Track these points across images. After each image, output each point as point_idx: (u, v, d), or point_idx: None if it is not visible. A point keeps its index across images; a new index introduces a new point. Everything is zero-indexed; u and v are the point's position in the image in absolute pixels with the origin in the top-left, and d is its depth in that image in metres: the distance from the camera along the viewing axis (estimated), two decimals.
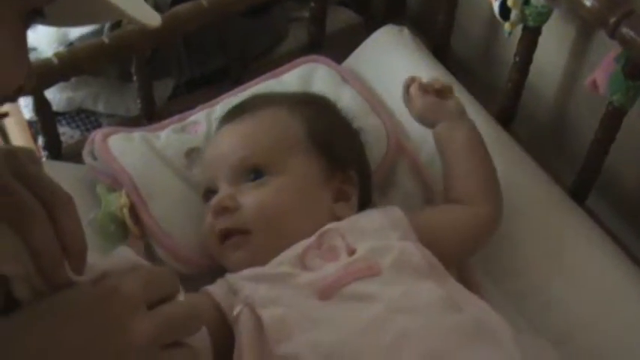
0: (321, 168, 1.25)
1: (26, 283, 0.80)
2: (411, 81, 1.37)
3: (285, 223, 1.20)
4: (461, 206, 1.28)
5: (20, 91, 0.82)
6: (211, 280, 1.22)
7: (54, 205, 0.81)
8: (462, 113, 1.33)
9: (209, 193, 1.25)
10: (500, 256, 1.35)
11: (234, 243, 1.20)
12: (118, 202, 1.30)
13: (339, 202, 1.25)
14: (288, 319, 1.06)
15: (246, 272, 1.15)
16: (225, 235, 1.21)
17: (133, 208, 1.30)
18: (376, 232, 1.18)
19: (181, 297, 0.87)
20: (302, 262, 1.14)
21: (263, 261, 1.16)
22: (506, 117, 1.51)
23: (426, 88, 1.34)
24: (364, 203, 1.30)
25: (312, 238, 1.16)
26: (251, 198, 1.20)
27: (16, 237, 0.79)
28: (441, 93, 1.34)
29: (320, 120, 1.30)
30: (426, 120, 1.35)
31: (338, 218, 1.22)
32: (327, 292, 1.09)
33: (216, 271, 1.23)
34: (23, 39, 0.74)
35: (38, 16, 0.75)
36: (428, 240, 1.19)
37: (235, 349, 1.07)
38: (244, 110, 1.32)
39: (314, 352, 1.03)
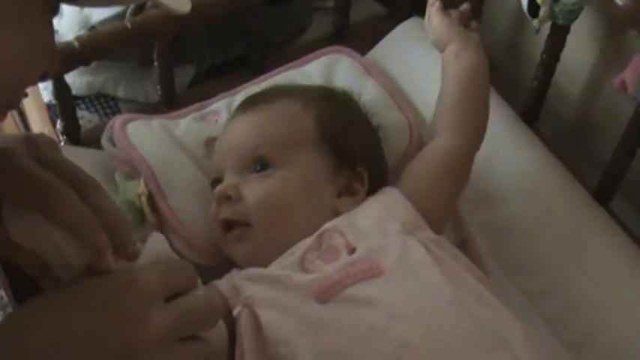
0: (329, 164, 1.23)
1: (67, 269, 0.81)
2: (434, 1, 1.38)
3: (286, 218, 1.19)
4: (431, 143, 1.28)
5: (44, 77, 0.82)
6: (227, 271, 1.21)
7: (82, 186, 0.82)
8: (477, 41, 1.33)
9: (216, 182, 1.24)
10: (520, 254, 1.34)
11: (236, 236, 1.19)
12: (136, 190, 1.29)
13: (342, 197, 1.22)
14: (284, 323, 1.06)
15: (249, 272, 1.14)
16: (228, 226, 1.20)
17: (150, 197, 1.29)
18: (376, 227, 1.16)
19: (200, 290, 0.86)
20: (302, 265, 1.12)
21: (266, 255, 1.15)
22: (530, 115, 1.48)
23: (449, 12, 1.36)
24: None
25: (311, 238, 1.15)
26: (254, 190, 1.19)
27: (51, 224, 0.79)
28: (464, 18, 1.35)
29: (333, 115, 1.28)
30: (441, 40, 1.34)
31: (340, 212, 1.20)
32: (325, 295, 1.07)
33: (232, 262, 1.22)
34: (50, 26, 0.74)
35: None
36: (419, 201, 1.20)
37: (237, 348, 1.07)
38: (258, 101, 1.31)
39: (312, 355, 1.02)
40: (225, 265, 1.23)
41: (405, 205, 1.20)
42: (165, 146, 1.35)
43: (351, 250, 1.12)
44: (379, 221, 1.17)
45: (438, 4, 1.36)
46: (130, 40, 1.39)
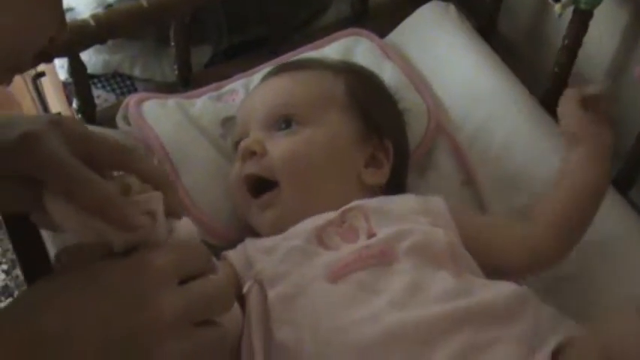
0: (356, 129, 1.22)
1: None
2: (573, 90, 1.24)
3: (313, 177, 1.17)
4: (521, 222, 1.20)
5: (53, 44, 0.81)
6: None
7: (121, 156, 0.83)
8: (608, 150, 1.20)
9: (239, 142, 1.23)
10: None
11: (264, 201, 1.17)
12: None
13: (369, 167, 1.22)
14: (293, 300, 1.04)
15: (263, 242, 1.13)
16: (256, 191, 1.18)
17: None
18: (403, 217, 1.14)
19: (218, 272, 0.86)
20: (319, 237, 1.11)
21: (292, 222, 1.13)
22: (550, 101, 1.45)
23: (589, 102, 1.21)
24: (398, 183, 1.27)
25: (335, 213, 1.13)
26: (280, 145, 1.18)
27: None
28: (599, 113, 1.21)
29: (363, 85, 1.29)
30: (570, 135, 1.22)
31: (365, 184, 1.20)
32: (335, 276, 1.06)
33: None
34: None
35: None
36: (467, 242, 1.14)
37: (245, 327, 1.04)
38: (287, 68, 1.32)
39: (313, 339, 1.00)
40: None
41: (448, 216, 1.16)
42: (181, 126, 1.34)
43: (371, 235, 1.11)
44: (409, 213, 1.15)
45: (577, 95, 1.22)
46: (147, 19, 1.37)
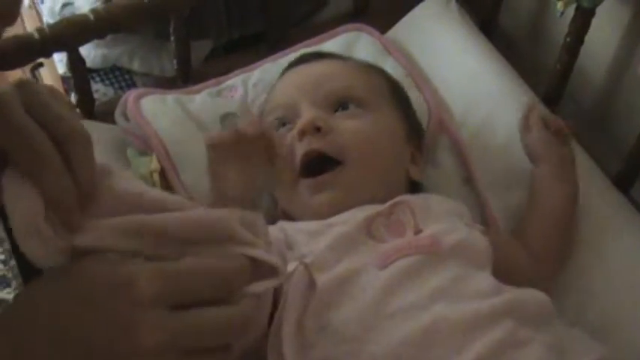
0: (404, 126, 1.24)
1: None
2: (533, 107, 1.30)
3: (378, 162, 1.17)
4: (526, 253, 1.22)
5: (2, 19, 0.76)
6: None
7: (69, 145, 0.77)
8: (573, 164, 1.27)
9: (281, 122, 1.20)
10: None
11: (323, 181, 1.14)
12: (148, 166, 1.27)
13: (412, 164, 1.23)
14: (343, 286, 1.03)
15: (306, 225, 1.10)
16: (315, 170, 1.14)
17: (163, 174, 1.27)
18: (445, 216, 1.14)
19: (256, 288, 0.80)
20: (368, 228, 1.09)
21: (344, 209, 1.11)
22: (552, 98, 1.45)
23: (547, 123, 1.27)
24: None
25: (384, 206, 1.12)
26: (346, 124, 1.16)
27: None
28: (560, 135, 1.26)
29: (400, 87, 1.32)
30: (533, 152, 1.27)
31: (410, 179, 1.22)
32: (385, 261, 1.05)
33: None
34: None
35: None
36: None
37: (280, 308, 1.00)
38: (330, 56, 1.32)
39: (359, 323, 1.00)
40: None
41: (469, 215, 1.20)
42: (180, 122, 1.33)
43: (418, 232, 1.11)
44: (449, 211, 1.16)
45: (537, 113, 1.28)
46: (146, 15, 1.36)
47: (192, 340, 0.75)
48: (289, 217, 1.18)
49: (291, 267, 1.00)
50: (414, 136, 1.25)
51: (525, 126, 1.28)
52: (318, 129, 1.15)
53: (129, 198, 0.80)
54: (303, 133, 1.15)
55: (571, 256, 1.28)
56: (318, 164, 1.15)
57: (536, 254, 1.22)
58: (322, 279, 1.01)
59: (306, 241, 1.08)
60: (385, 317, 1.00)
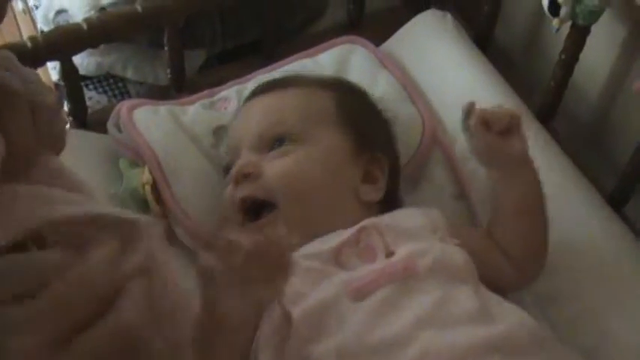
0: (349, 143, 1.21)
1: None
2: (471, 107, 1.19)
3: (310, 196, 1.16)
4: (501, 255, 1.20)
5: None
6: None
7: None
8: (524, 159, 1.19)
9: (230, 167, 1.21)
10: None
11: (262, 224, 1.15)
12: (140, 178, 1.26)
13: (365, 183, 1.20)
14: (318, 319, 1.02)
15: None
16: (254, 213, 1.16)
17: (155, 186, 1.26)
18: (417, 233, 1.13)
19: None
20: (336, 258, 1.09)
21: (296, 246, 1.10)
22: (546, 114, 1.45)
23: (489, 124, 1.17)
24: (393, 198, 1.25)
25: (349, 232, 1.11)
26: (275, 165, 1.16)
27: None
28: (506, 132, 1.18)
29: (351, 99, 1.28)
30: (479, 159, 1.23)
31: (361, 200, 1.18)
32: (359, 294, 1.04)
33: None
34: None
35: None
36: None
37: (255, 338, 1.03)
38: (272, 87, 1.29)
39: (340, 357, 0.99)
40: None
41: (445, 228, 1.16)
42: (172, 134, 1.33)
43: (389, 254, 1.09)
44: (422, 227, 1.14)
45: (480, 116, 1.17)
46: (141, 24, 1.36)
47: None
48: None
49: None
50: (365, 151, 1.21)
51: (469, 133, 1.21)
52: (247, 175, 1.16)
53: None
54: (236, 181, 1.17)
55: (562, 272, 1.27)
56: (259, 208, 1.17)
57: (513, 258, 1.20)
58: (296, 312, 1.01)
59: None
60: (369, 351, 0.99)
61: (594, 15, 1.29)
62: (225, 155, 1.30)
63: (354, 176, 1.19)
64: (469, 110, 1.19)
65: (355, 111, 1.24)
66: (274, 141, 1.19)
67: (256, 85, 1.39)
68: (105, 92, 1.56)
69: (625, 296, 1.25)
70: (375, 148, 1.22)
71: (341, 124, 1.22)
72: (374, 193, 1.20)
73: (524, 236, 1.20)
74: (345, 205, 1.17)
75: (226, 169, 1.23)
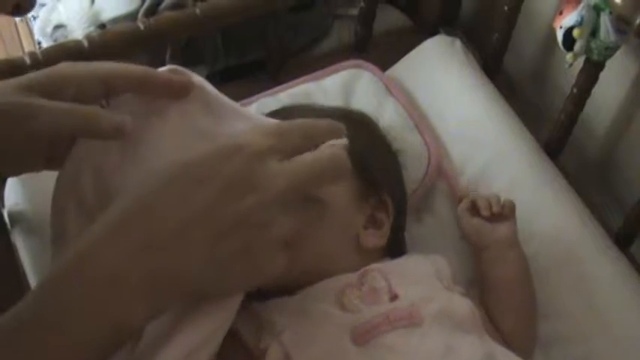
0: (355, 188, 1.14)
1: None
2: (465, 192, 1.29)
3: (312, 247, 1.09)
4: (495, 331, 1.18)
5: (18, 10, 0.84)
6: None
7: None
8: (511, 243, 1.23)
9: None
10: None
11: None
12: None
13: (368, 229, 1.15)
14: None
15: (277, 302, 1.06)
16: None
17: None
18: (422, 279, 1.11)
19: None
20: (340, 301, 1.05)
21: (294, 282, 1.05)
22: (554, 148, 1.42)
23: (478, 209, 1.24)
24: (398, 230, 1.22)
25: (353, 277, 1.07)
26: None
27: None
28: (494, 218, 1.23)
29: (358, 139, 1.19)
30: (470, 242, 1.27)
31: (362, 247, 1.12)
32: (362, 338, 1.01)
33: None
34: None
35: None
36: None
37: None
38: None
39: None
40: None
41: (450, 276, 1.15)
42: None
43: (394, 297, 1.06)
44: (426, 274, 1.12)
45: (468, 202, 1.26)
46: (142, 43, 1.32)
47: (308, 181, 0.81)
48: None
49: (263, 344, 1.02)
50: (371, 194, 1.15)
51: (458, 216, 1.28)
52: None
53: None
54: None
55: (568, 316, 1.25)
56: None
57: (504, 333, 1.18)
58: (299, 356, 0.99)
59: (279, 318, 1.03)
60: None
61: (609, 51, 1.25)
62: None
63: (355, 223, 1.13)
64: (462, 195, 1.28)
65: (363, 153, 1.16)
66: None
67: (261, 107, 1.36)
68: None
69: (631, 342, 1.22)
70: (381, 192, 1.16)
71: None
72: (377, 239, 1.14)
73: (514, 311, 1.20)
74: (343, 253, 1.11)
75: None
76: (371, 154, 1.20)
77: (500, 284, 1.21)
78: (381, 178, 1.18)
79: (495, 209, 1.23)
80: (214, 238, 0.76)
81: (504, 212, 1.23)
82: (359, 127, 1.24)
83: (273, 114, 1.26)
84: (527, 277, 1.23)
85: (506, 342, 1.16)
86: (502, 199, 1.25)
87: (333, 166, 0.82)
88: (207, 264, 0.77)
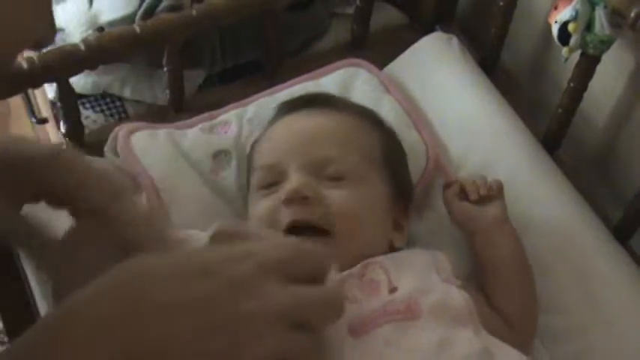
0: (389, 192, 1.19)
1: None
2: (451, 181, 1.28)
3: (361, 234, 1.12)
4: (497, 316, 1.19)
5: (39, 46, 0.82)
6: None
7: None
8: (501, 222, 1.22)
9: (271, 184, 1.14)
10: None
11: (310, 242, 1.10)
12: None
13: (394, 231, 1.18)
14: (319, 356, 0.99)
15: None
16: (295, 232, 1.09)
17: None
18: (421, 271, 1.11)
19: (333, 276, 0.82)
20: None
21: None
22: (552, 142, 1.42)
23: (466, 193, 1.24)
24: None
25: (355, 268, 1.09)
26: (337, 195, 1.11)
27: None
28: (483, 201, 1.23)
29: (392, 142, 1.25)
30: (460, 227, 1.26)
31: (392, 247, 1.17)
32: (360, 330, 1.02)
33: None
34: None
35: None
36: None
37: None
38: (320, 103, 1.25)
39: None
40: None
41: (450, 270, 1.15)
42: (171, 159, 1.30)
43: (392, 289, 1.07)
44: (426, 267, 1.12)
45: (452, 191, 1.26)
46: (139, 45, 1.33)
47: (304, 312, 0.77)
48: None
49: None
50: (400, 199, 1.20)
51: (445, 203, 1.27)
52: (305, 198, 1.10)
53: None
54: (290, 202, 1.10)
55: (567, 310, 1.25)
56: (303, 233, 1.10)
57: (507, 316, 1.18)
58: None
59: None
60: None
61: (605, 44, 1.26)
62: (222, 180, 1.28)
63: (389, 223, 1.18)
64: (449, 183, 1.27)
65: (396, 158, 1.23)
66: (326, 167, 1.13)
67: (258, 108, 1.37)
68: (102, 111, 1.53)
69: (630, 335, 1.22)
70: (410, 198, 1.22)
71: (385, 171, 1.19)
72: (401, 241, 1.19)
73: (513, 291, 1.20)
74: (380, 249, 1.14)
75: (262, 186, 1.16)
76: (401, 163, 1.25)
77: (497, 266, 1.21)
78: (407, 186, 1.24)
79: (482, 192, 1.22)
80: (204, 331, 0.74)
81: (492, 193, 1.23)
82: (391, 135, 1.27)
83: (324, 98, 1.29)
84: (521, 253, 1.23)
85: (508, 325, 1.17)
86: (489, 180, 1.24)
87: (335, 306, 0.80)
88: (189, 350, 0.75)
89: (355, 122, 1.22)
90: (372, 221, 1.14)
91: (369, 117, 1.26)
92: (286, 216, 1.10)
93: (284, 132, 1.21)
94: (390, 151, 1.22)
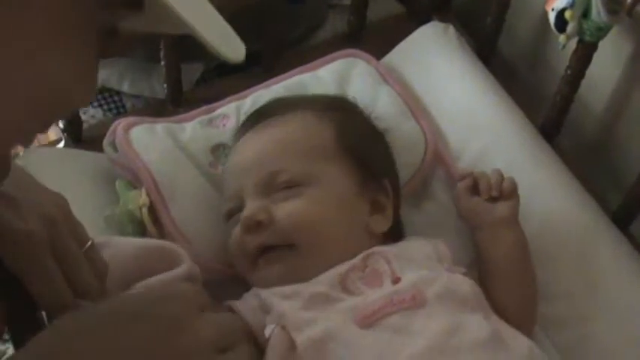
0: (354, 177, 1.17)
1: None
2: (467, 172, 1.27)
3: (326, 235, 1.13)
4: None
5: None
6: (231, 286, 1.17)
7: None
8: (507, 223, 1.22)
9: (234, 211, 1.17)
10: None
11: (276, 256, 1.12)
12: (137, 200, 1.23)
13: (374, 214, 1.17)
14: (324, 346, 1.01)
15: (281, 288, 1.08)
16: (263, 251, 1.12)
17: (152, 208, 1.24)
18: (423, 262, 1.12)
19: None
20: (343, 284, 1.07)
21: (300, 278, 1.09)
22: (551, 130, 1.42)
23: (479, 190, 1.24)
24: (397, 221, 1.23)
25: (356, 259, 1.09)
26: (285, 209, 1.12)
27: None
28: (494, 198, 1.23)
29: (349, 125, 1.23)
30: (468, 221, 1.26)
31: (373, 233, 1.16)
32: (367, 321, 1.03)
33: (236, 278, 1.18)
34: (95, 61, 0.70)
35: (112, 36, 0.74)
36: None
37: None
38: (269, 114, 1.25)
39: None
40: (228, 279, 1.20)
41: (451, 260, 1.16)
42: (170, 153, 1.29)
43: (396, 280, 1.08)
44: (428, 256, 1.14)
45: (464, 185, 1.26)
46: (136, 39, 1.32)
47: (226, 338, 0.83)
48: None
49: (268, 330, 1.03)
50: (373, 178, 1.19)
51: (455, 196, 1.27)
52: (259, 223, 1.12)
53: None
54: (247, 229, 1.12)
55: (568, 297, 1.25)
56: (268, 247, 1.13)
57: (507, 312, 1.17)
58: (301, 339, 1.00)
59: (281, 302, 1.05)
60: None
61: (602, 31, 1.26)
62: (220, 173, 1.28)
63: (362, 210, 1.16)
64: (463, 175, 1.27)
65: (356, 138, 1.21)
66: (275, 181, 1.14)
67: (256, 100, 1.36)
68: (100, 106, 1.53)
69: (631, 322, 1.23)
70: (379, 175, 1.19)
71: (343, 157, 1.18)
72: (384, 222, 1.17)
73: (511, 292, 1.19)
74: (357, 238, 1.14)
75: (228, 215, 1.19)
76: (365, 138, 1.23)
77: (496, 265, 1.21)
78: (378, 162, 1.21)
79: (494, 194, 1.22)
80: None
81: (504, 193, 1.23)
82: (348, 113, 1.26)
83: (270, 108, 1.27)
84: (524, 257, 1.22)
85: (505, 320, 1.16)
86: (505, 177, 1.24)
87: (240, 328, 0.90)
88: None
89: (301, 122, 1.21)
90: (336, 219, 1.13)
91: (320, 107, 1.24)
92: (250, 242, 1.13)
93: (236, 158, 1.22)
94: (347, 135, 1.19)
